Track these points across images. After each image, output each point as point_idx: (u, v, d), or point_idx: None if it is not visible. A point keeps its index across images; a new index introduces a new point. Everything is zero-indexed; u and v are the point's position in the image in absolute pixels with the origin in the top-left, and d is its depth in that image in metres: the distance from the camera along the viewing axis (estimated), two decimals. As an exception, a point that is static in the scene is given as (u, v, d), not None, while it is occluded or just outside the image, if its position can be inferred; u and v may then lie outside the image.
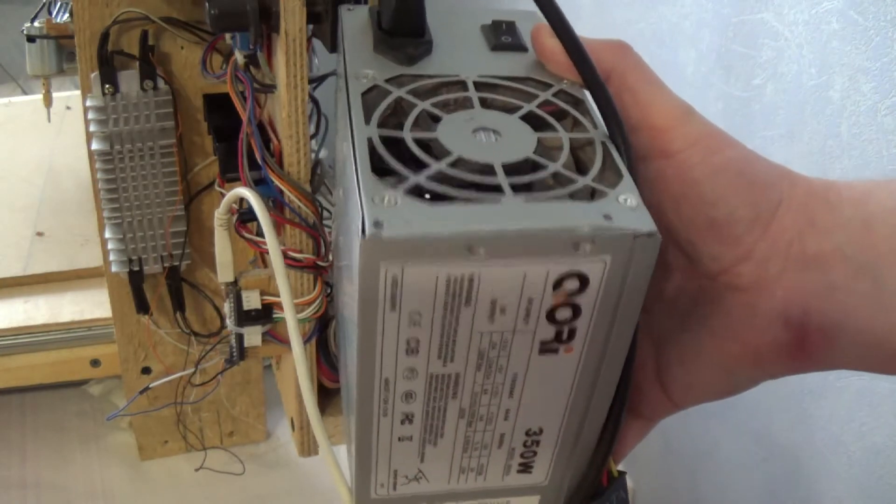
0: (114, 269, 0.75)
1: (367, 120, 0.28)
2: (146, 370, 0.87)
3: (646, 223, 0.25)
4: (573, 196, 0.26)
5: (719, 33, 0.73)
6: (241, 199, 0.51)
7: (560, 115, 0.30)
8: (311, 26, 0.50)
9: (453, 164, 0.26)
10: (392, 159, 0.26)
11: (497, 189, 0.26)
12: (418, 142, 0.27)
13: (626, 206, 0.26)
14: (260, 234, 0.58)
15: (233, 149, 0.62)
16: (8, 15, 1.37)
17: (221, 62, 0.66)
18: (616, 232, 0.25)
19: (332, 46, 0.49)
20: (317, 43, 0.53)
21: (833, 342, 0.29)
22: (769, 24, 0.67)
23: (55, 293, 0.97)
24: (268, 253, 0.56)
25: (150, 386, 0.77)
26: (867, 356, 0.29)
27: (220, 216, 0.54)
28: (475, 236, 0.24)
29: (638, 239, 0.25)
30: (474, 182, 0.26)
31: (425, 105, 0.29)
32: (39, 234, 1.04)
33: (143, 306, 0.78)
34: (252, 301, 0.55)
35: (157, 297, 0.79)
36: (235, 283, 0.55)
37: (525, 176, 0.26)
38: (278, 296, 0.56)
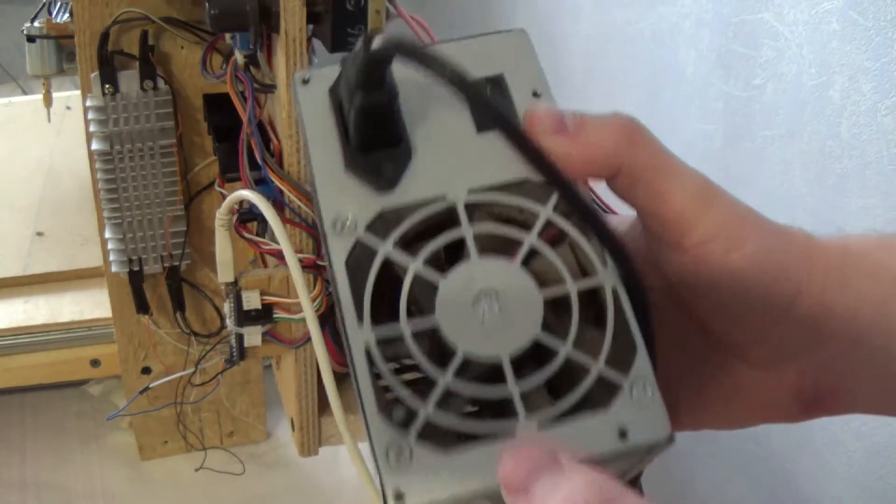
0: (114, 269, 0.75)
1: (359, 312, 0.26)
2: (146, 370, 0.87)
3: (661, 428, 0.25)
4: (587, 402, 0.26)
5: (719, 33, 0.73)
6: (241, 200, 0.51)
7: (562, 236, 0.28)
8: (310, 26, 0.50)
9: (460, 371, 0.25)
10: (396, 383, 0.25)
11: (509, 406, 0.25)
12: (417, 334, 0.26)
13: (641, 405, 0.25)
14: (259, 234, 0.58)
15: (233, 149, 0.62)
16: (8, 15, 1.37)
17: (221, 62, 0.66)
18: (633, 450, 0.25)
19: (332, 47, 0.49)
20: (317, 43, 0.53)
21: (844, 404, 0.30)
22: (769, 24, 0.67)
23: (55, 293, 0.97)
24: (267, 253, 0.56)
25: (150, 386, 0.77)
26: (880, 410, 0.30)
27: (221, 216, 0.54)
28: (494, 490, 0.24)
29: (654, 447, 0.25)
30: (485, 398, 0.25)
31: (417, 266, 0.26)
32: (39, 234, 1.04)
33: (143, 306, 0.78)
34: (252, 301, 0.55)
35: (157, 297, 0.79)
36: (236, 283, 0.55)
37: (535, 376, 0.25)
38: (278, 295, 0.56)
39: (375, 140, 0.28)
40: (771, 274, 0.27)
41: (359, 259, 0.27)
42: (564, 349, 0.26)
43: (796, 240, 0.29)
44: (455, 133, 0.29)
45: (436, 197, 0.27)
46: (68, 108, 1.21)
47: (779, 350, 0.29)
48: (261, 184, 0.53)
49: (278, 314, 0.56)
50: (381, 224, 0.27)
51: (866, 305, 0.28)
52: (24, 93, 1.49)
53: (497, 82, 0.30)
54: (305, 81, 0.29)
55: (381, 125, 0.28)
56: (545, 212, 0.27)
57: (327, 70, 0.29)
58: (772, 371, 0.29)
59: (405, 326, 0.26)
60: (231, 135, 0.63)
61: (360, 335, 0.26)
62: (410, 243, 0.27)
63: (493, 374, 0.25)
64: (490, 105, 0.27)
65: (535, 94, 0.29)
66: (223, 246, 0.55)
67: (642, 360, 0.26)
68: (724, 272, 0.27)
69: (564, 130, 0.27)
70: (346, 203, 0.27)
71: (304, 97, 0.29)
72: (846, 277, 0.28)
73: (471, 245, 0.27)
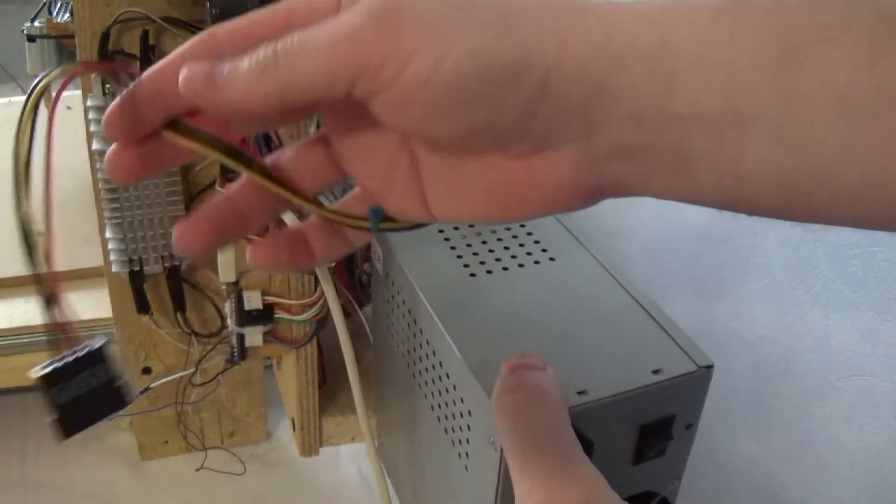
0: (114, 268, 0.75)
1: None
2: (146, 370, 0.87)
3: None
4: None
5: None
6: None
7: None
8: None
9: None
10: None
11: None
12: None
13: None
14: (260, 234, 0.58)
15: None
16: (8, 15, 1.37)
17: (222, 62, 0.66)
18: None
19: None
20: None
21: (631, 191, 0.27)
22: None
23: (55, 293, 0.96)
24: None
25: (151, 386, 0.77)
26: (673, 195, 0.27)
27: (222, 216, 0.54)
28: None
29: None
30: None
31: None
32: (39, 234, 1.04)
33: (143, 306, 0.78)
34: (253, 301, 0.55)
35: (157, 297, 0.79)
36: (237, 283, 0.55)
37: None
38: (279, 296, 0.56)
39: None
40: (498, 67, 0.25)
41: None
42: None
43: (529, 22, 0.25)
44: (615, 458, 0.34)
45: None
46: (68, 108, 1.21)
47: (534, 141, 0.26)
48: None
49: (279, 314, 0.56)
50: None
51: (648, 83, 0.24)
52: (24, 93, 1.49)
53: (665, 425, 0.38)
54: None
55: None
56: None
57: None
58: (537, 162, 0.27)
59: None
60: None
61: None
62: None
63: None
64: None
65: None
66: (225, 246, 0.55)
67: None
68: (442, 88, 0.24)
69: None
70: None
71: None
72: (615, 51, 0.25)
73: None
